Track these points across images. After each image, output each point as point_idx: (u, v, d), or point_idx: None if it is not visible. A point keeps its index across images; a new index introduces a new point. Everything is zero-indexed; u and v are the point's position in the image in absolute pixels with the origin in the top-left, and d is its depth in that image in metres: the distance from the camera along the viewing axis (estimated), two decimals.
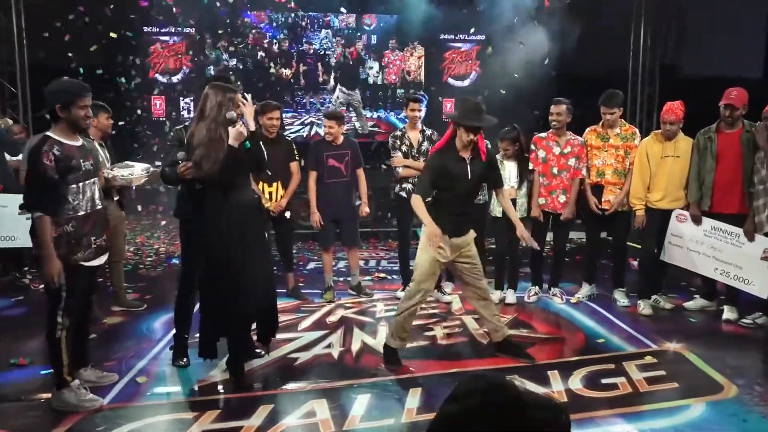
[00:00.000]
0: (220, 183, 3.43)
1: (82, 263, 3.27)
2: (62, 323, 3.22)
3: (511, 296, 5.31)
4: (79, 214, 3.23)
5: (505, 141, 5.15)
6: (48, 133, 3.21)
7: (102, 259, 3.46)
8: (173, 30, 8.59)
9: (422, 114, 5.29)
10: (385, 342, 4.03)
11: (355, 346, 4.29)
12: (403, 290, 5.44)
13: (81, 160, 3.24)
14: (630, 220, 5.16)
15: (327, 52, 8.93)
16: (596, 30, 8.52)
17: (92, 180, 3.32)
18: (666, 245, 5.03)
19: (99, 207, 3.35)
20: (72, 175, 3.18)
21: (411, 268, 5.54)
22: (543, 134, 5.31)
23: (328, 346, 4.30)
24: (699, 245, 4.87)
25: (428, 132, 5.35)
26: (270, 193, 5.15)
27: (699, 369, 3.92)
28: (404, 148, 5.27)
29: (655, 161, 4.91)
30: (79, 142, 3.30)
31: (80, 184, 3.23)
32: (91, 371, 3.57)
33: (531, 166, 5.23)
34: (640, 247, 5.32)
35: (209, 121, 3.41)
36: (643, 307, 5.00)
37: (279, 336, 4.43)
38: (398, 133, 5.40)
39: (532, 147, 5.28)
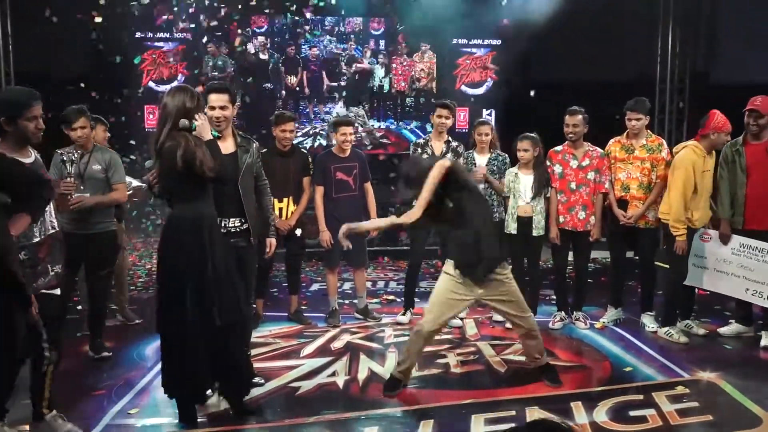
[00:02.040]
0: (214, 181, 3.37)
1: (46, 291, 3.18)
2: (49, 358, 3.19)
3: None
4: (32, 240, 3.12)
5: (526, 140, 5.14)
6: None
7: (58, 290, 3.33)
8: (167, 36, 8.70)
9: (450, 122, 5.34)
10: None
11: (362, 375, 4.29)
12: (404, 314, 5.46)
13: None
14: (657, 237, 5.15)
15: (333, 59, 9.01)
16: (621, 35, 8.59)
17: None
18: (690, 267, 5.02)
19: (53, 230, 3.24)
20: None
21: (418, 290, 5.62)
22: (558, 148, 5.33)
23: (333, 374, 4.30)
24: (726, 265, 4.87)
25: (454, 144, 5.39)
26: (280, 209, 5.19)
27: (735, 400, 3.89)
28: (425, 157, 5.31)
29: (699, 177, 4.86)
30: (30, 158, 3.17)
31: None
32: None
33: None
34: (669, 267, 5.30)
35: (171, 126, 3.30)
36: (678, 336, 4.96)
37: (280, 363, 4.48)
38: (421, 141, 5.47)
39: (548, 162, 5.31)
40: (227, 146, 3.79)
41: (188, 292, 3.29)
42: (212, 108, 3.87)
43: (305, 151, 5.64)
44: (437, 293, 3.95)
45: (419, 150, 5.34)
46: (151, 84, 8.74)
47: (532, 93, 6.90)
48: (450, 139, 5.42)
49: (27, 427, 3.33)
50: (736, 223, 4.85)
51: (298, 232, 5.28)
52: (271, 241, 4.13)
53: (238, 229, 3.82)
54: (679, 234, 4.84)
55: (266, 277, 5.38)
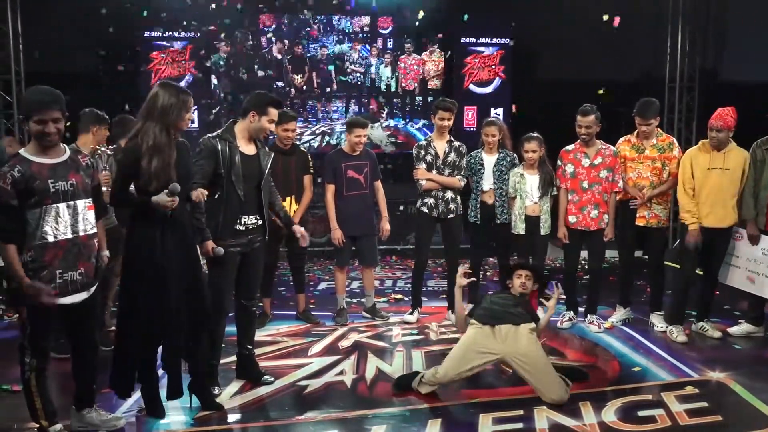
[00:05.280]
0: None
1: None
2: (29, 364, 3.13)
3: None
4: (41, 241, 3.03)
5: (533, 141, 5.17)
6: (21, 150, 3.12)
7: (79, 297, 3.21)
8: (175, 35, 8.73)
9: (451, 123, 5.33)
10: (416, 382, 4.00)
11: (370, 373, 4.29)
12: (411, 313, 5.46)
13: (50, 180, 3.04)
14: (667, 238, 5.13)
15: (343, 56, 9.01)
16: (630, 34, 8.55)
17: (69, 203, 3.11)
18: (723, 265, 5.01)
19: (73, 235, 3.13)
20: (35, 198, 3.00)
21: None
22: (570, 147, 5.31)
23: (341, 373, 4.31)
24: (757, 265, 4.83)
25: (456, 144, 5.39)
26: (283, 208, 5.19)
27: (745, 401, 3.87)
28: (428, 158, 5.30)
29: (701, 173, 4.84)
30: (58, 159, 3.11)
31: (43, 208, 3.03)
32: (95, 413, 3.48)
33: (558, 183, 5.25)
34: (678, 267, 5.27)
35: (156, 123, 3.31)
36: (677, 334, 4.95)
37: (288, 362, 4.50)
38: (423, 142, 5.45)
39: (558, 162, 5.29)
40: (249, 149, 3.88)
41: (141, 288, 3.36)
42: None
43: (305, 150, 5.64)
44: (462, 342, 3.99)
45: (422, 152, 5.33)
46: None
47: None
48: (452, 138, 5.41)
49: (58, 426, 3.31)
50: (759, 223, 4.81)
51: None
52: (301, 230, 4.13)
53: (254, 226, 3.89)
54: (689, 223, 4.88)
55: (272, 276, 5.39)
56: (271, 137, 5.21)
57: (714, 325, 5.13)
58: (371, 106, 9.08)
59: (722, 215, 4.87)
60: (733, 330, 5.10)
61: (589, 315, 5.37)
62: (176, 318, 3.44)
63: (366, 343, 4.91)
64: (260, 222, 3.93)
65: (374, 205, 5.47)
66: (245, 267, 3.93)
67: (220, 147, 3.73)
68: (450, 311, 5.43)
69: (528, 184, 5.21)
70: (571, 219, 5.22)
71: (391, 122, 9.18)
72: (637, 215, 5.16)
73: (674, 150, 5.12)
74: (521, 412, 3.66)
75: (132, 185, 3.40)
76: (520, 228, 5.24)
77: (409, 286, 5.89)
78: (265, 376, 4.10)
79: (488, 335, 3.92)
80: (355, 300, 6.01)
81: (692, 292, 5.10)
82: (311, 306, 5.78)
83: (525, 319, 3.98)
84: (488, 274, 7.18)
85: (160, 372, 3.64)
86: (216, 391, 3.84)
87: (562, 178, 5.25)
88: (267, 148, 4.07)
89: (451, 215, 5.31)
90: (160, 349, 3.57)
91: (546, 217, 5.23)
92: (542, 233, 5.24)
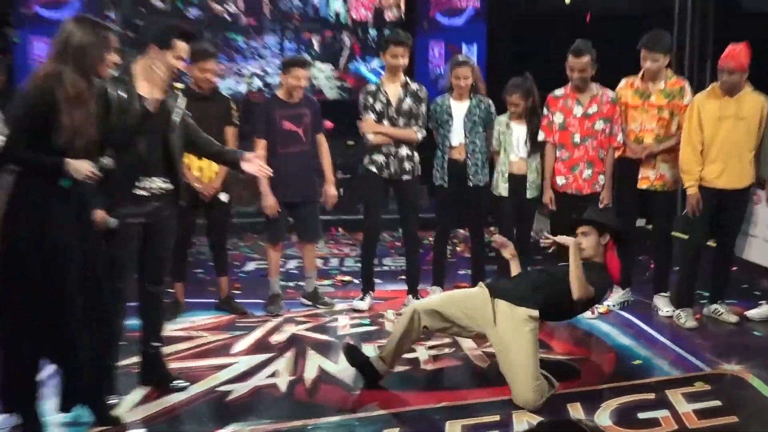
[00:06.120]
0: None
1: None
2: None
3: None
4: None
5: (515, 93, 5.22)
6: None
7: None
8: None
9: (406, 61, 5.28)
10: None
11: (310, 374, 4.28)
12: (362, 299, 5.47)
13: None
14: (675, 202, 5.19)
15: None
16: None
17: None
18: (739, 235, 5.11)
19: None
20: None
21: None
22: (558, 91, 5.31)
23: (273, 374, 4.29)
24: None
25: (413, 86, 5.37)
26: (200, 169, 5.10)
27: (765, 397, 3.96)
28: (378, 105, 5.27)
29: (711, 123, 4.89)
30: None
31: None
32: None
33: (542, 137, 5.25)
34: (686, 237, 5.34)
35: (72, 67, 3.26)
36: (685, 320, 5.05)
37: (206, 362, 4.46)
38: (372, 87, 5.43)
39: (545, 111, 5.30)
40: (154, 93, 3.76)
41: (27, 272, 3.27)
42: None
43: (227, 95, 5.51)
44: (463, 291, 4.34)
45: (370, 98, 5.29)
46: (41, 10, 8.47)
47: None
48: (408, 81, 5.37)
49: None
50: None
51: (224, 197, 5.20)
52: (251, 157, 4.04)
53: (161, 191, 3.81)
54: (688, 186, 4.96)
55: (185, 255, 5.30)
56: (186, 79, 5.09)
57: (730, 308, 5.25)
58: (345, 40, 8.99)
59: (737, 174, 4.92)
60: (752, 313, 5.21)
61: None
62: (70, 309, 3.35)
63: (305, 337, 4.90)
64: (170, 186, 3.84)
65: (316, 164, 5.41)
66: (150, 242, 3.85)
67: (110, 92, 3.60)
68: (410, 295, 5.42)
69: (514, 135, 5.25)
70: (560, 180, 5.24)
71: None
72: (640, 176, 5.21)
73: (685, 97, 5.16)
74: (497, 418, 3.68)
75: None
76: (502, 188, 5.27)
77: (359, 265, 5.87)
78: (177, 381, 4.05)
79: (486, 305, 3.97)
80: (291, 284, 5.99)
81: (703, 268, 5.18)
82: (236, 292, 5.74)
83: (530, 304, 3.95)
84: (458, 249, 7.20)
85: (43, 377, 3.56)
86: (113, 401, 3.76)
87: (548, 131, 5.25)
88: (181, 92, 3.97)
89: (406, 176, 5.29)
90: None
91: (534, 177, 5.28)
92: (528, 196, 5.28)
